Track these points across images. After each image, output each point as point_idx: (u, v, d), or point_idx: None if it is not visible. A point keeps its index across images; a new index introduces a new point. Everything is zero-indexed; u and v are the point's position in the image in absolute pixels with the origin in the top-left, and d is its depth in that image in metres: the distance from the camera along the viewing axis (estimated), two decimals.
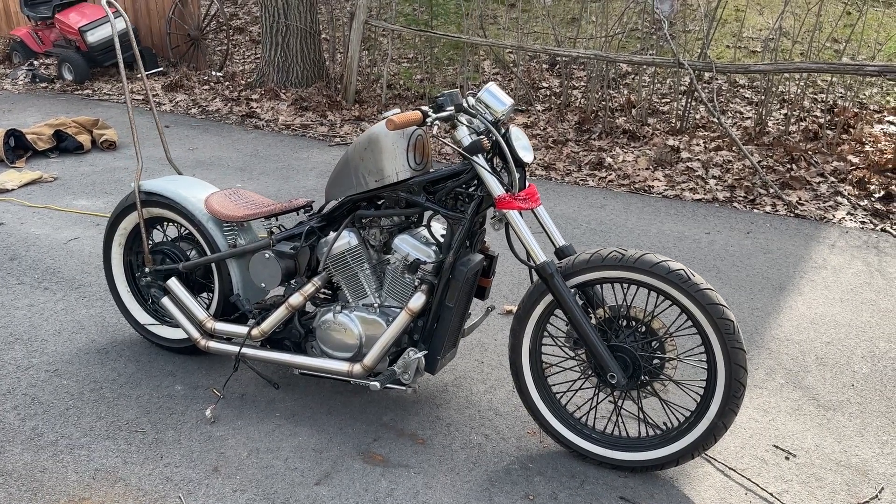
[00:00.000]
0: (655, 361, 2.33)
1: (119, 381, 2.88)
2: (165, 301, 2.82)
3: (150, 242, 2.98)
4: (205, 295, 3.02)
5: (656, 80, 7.13)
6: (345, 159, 2.51)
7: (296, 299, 2.61)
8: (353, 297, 2.60)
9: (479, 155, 2.30)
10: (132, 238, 3.03)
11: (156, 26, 8.89)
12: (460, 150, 2.31)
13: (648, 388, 2.36)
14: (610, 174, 5.48)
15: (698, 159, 5.62)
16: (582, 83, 7.41)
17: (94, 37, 8.01)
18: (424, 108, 2.25)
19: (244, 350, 2.70)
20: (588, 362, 2.39)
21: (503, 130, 2.37)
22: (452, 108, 2.28)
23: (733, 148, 5.70)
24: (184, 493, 2.31)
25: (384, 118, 2.21)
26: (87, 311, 3.41)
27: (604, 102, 6.64)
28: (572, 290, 2.32)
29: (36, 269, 3.81)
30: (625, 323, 2.36)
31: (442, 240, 2.47)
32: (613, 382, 2.27)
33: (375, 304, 2.56)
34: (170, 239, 3.02)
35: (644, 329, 2.34)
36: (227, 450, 2.51)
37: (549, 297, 2.37)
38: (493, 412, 2.72)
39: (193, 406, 2.74)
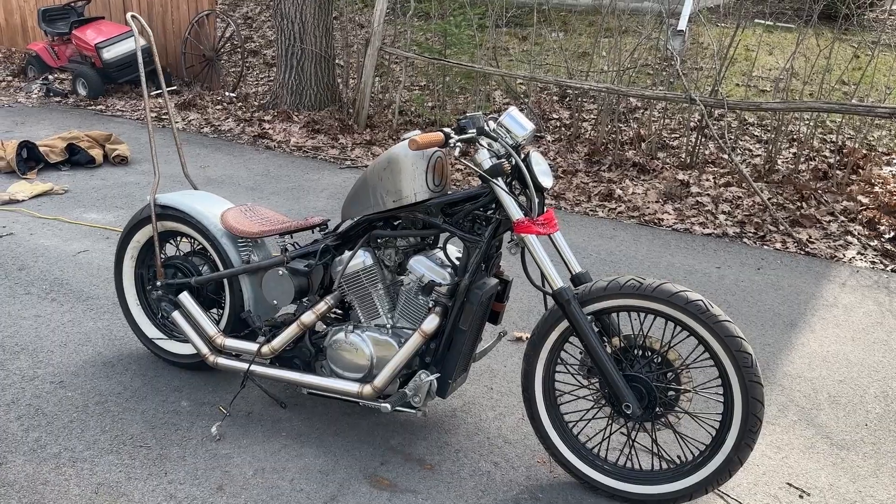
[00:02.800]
0: (671, 393, 2.30)
1: (125, 395, 2.85)
2: (176, 315, 2.80)
3: (163, 256, 2.97)
4: (214, 311, 3.00)
5: (666, 116, 7.17)
6: (363, 178, 2.50)
7: (308, 317, 2.59)
8: (365, 318, 2.58)
9: (499, 178, 2.30)
10: (145, 251, 3.02)
11: (171, 45, 8.98)
12: (481, 171, 2.30)
13: (663, 419, 2.32)
14: (619, 206, 5.48)
15: (708, 194, 5.62)
16: (592, 116, 7.45)
17: (109, 53, 8.08)
18: (447, 129, 2.25)
19: (253, 367, 2.67)
20: (602, 391, 2.36)
21: (523, 155, 2.36)
22: (474, 130, 2.28)
23: (743, 184, 5.71)
24: None
25: (406, 138, 2.21)
26: (94, 323, 3.38)
27: (614, 135, 6.67)
28: (588, 318, 2.30)
29: (44, 280, 3.80)
30: (640, 353, 2.34)
31: (457, 262, 2.46)
32: (629, 412, 2.24)
33: (388, 325, 2.54)
34: (182, 253, 3.00)
35: (660, 360, 2.32)
36: (233, 468, 2.47)
37: (564, 324, 2.35)
38: (502, 440, 2.68)
39: (199, 422, 2.71)
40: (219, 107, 7.84)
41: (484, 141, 2.34)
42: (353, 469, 2.49)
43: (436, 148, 2.31)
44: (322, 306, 2.59)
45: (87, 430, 2.63)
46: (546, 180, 2.37)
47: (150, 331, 3.05)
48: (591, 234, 4.93)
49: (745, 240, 4.92)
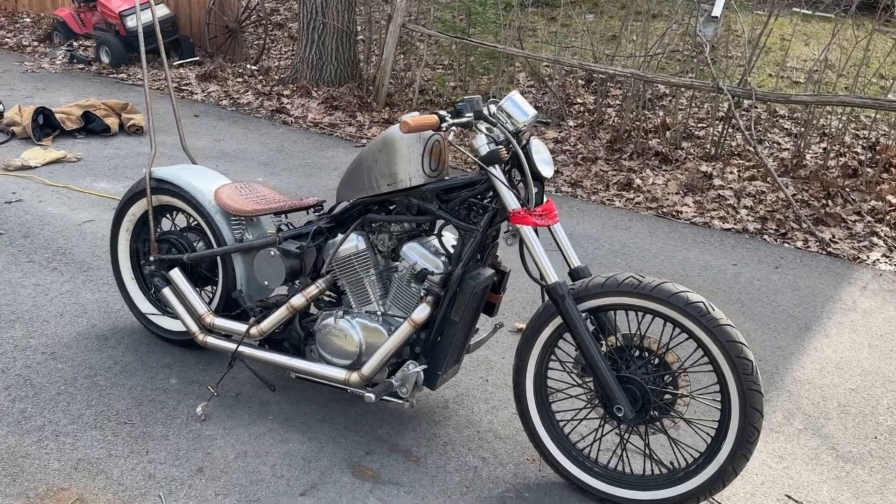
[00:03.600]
0: (667, 397, 2.20)
1: (114, 370, 2.81)
2: (167, 291, 2.75)
3: (159, 230, 2.92)
4: (209, 288, 2.95)
5: (693, 104, 6.98)
6: (358, 160, 2.42)
7: (297, 300, 2.52)
8: (356, 303, 2.51)
9: (496, 166, 2.20)
10: (140, 224, 2.97)
11: (196, 16, 8.93)
12: (476, 159, 2.21)
13: (657, 424, 2.23)
14: (638, 196, 5.34)
15: (731, 187, 5.46)
16: (617, 102, 7.28)
17: (133, 22, 8.06)
18: (442, 112, 2.15)
19: (241, 349, 2.62)
20: (595, 391, 2.27)
21: (524, 142, 2.26)
22: (471, 114, 2.18)
23: (768, 179, 5.53)
24: (164, 493, 2.23)
25: (401, 121, 2.13)
26: (92, 294, 3.36)
27: (638, 122, 6.50)
28: (583, 315, 2.21)
29: (47, 249, 3.78)
30: (637, 353, 2.24)
31: (452, 251, 2.37)
32: (620, 416, 2.15)
33: (378, 312, 2.46)
34: (178, 228, 2.95)
35: (657, 361, 2.22)
36: (215, 450, 2.43)
37: (558, 320, 2.25)
38: (492, 434, 2.61)
39: (186, 401, 2.67)
40: (239, 79, 7.79)
41: (482, 126, 2.24)
42: (337, 457, 2.43)
43: (431, 131, 2.22)
44: (313, 290, 2.52)
45: (74, 404, 2.60)
46: (546, 170, 2.27)
47: (144, 305, 3.02)
48: (606, 224, 4.81)
49: (765, 237, 4.77)
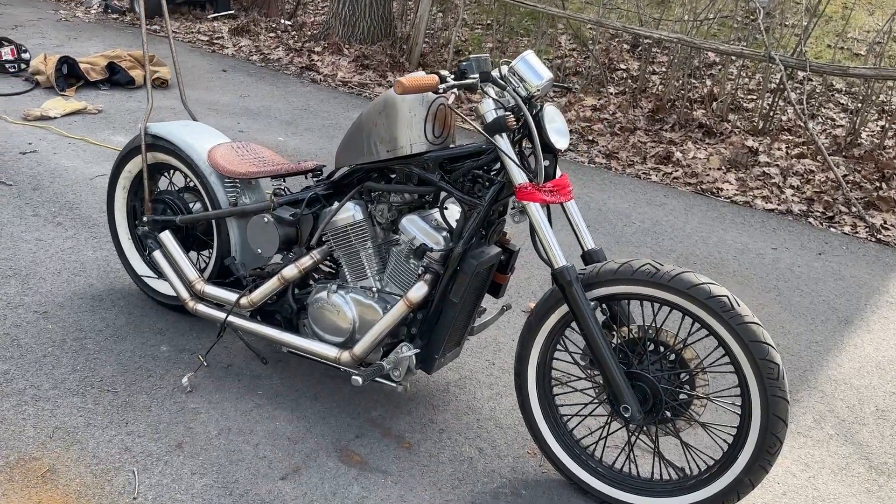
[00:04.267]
0: (681, 397, 2.00)
1: (105, 333, 2.71)
2: (157, 255, 2.62)
3: (156, 189, 2.78)
4: (206, 252, 2.81)
5: (744, 74, 6.59)
6: (358, 123, 2.23)
7: (290, 272, 2.36)
8: (351, 277, 2.34)
9: (503, 135, 1.99)
10: (137, 182, 2.83)
11: None
12: (477, 128, 1.99)
13: (669, 425, 2.03)
14: (676, 170, 5.05)
15: (777, 165, 5.13)
16: (662, 69, 6.92)
17: None
18: (444, 72, 1.94)
19: (231, 319, 2.48)
20: (602, 387, 2.07)
21: (536, 108, 2.04)
22: (477, 76, 1.97)
23: (818, 157, 5.18)
24: (138, 468, 2.11)
25: (395, 81, 1.92)
26: (93, 252, 3.25)
27: (683, 91, 6.16)
28: (593, 304, 2.00)
29: (55, 203, 3.69)
30: (651, 347, 2.04)
31: (456, 226, 2.18)
32: (627, 416, 1.96)
33: (374, 288, 2.29)
34: (176, 188, 2.81)
35: (673, 357, 2.01)
36: (197, 425, 2.30)
37: (565, 307, 2.05)
38: (493, 423, 2.44)
39: (174, 370, 2.54)
40: (272, 34, 7.60)
41: (491, 89, 2.02)
42: (325, 439, 2.29)
43: (435, 94, 2.02)
44: (306, 261, 2.36)
45: (58, 368, 2.50)
46: (560, 141, 2.05)
47: (140, 267, 2.89)
48: (639, 199, 4.55)
49: (810, 219, 4.46)
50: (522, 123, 2.03)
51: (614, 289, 1.99)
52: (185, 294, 2.58)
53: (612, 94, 6.42)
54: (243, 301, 2.45)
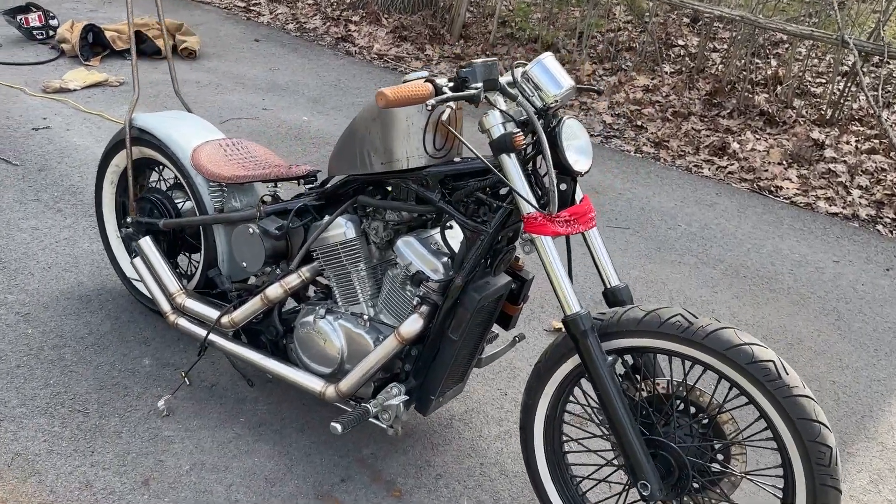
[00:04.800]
0: (714, 468, 1.69)
1: (86, 342, 2.51)
2: (137, 262, 2.39)
3: (146, 186, 2.55)
4: (197, 257, 2.58)
5: (813, 55, 6.04)
6: (351, 128, 1.93)
7: (274, 291, 2.10)
8: (342, 300, 2.07)
9: (511, 154, 1.67)
10: (126, 177, 2.60)
11: None
12: (474, 151, 1.68)
13: (696, 500, 1.72)
14: (732, 164, 4.62)
15: (844, 161, 4.65)
16: (724, 46, 6.40)
17: None
18: (440, 80, 1.62)
19: (213, 338, 2.24)
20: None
21: (553, 122, 1.71)
22: (479, 85, 1.64)
23: (891, 154, 4.68)
24: None
25: (378, 92, 1.61)
26: (88, 245, 3.05)
27: (745, 73, 5.66)
28: (611, 358, 1.69)
29: (58, 186, 3.50)
30: (681, 406, 1.72)
31: (458, 251, 1.88)
32: (646, 494, 1.65)
33: (366, 316, 2.02)
34: (165, 187, 2.57)
35: (706, 421, 1.70)
36: (169, 457, 2.08)
37: (577, 357, 1.75)
38: (498, 469, 2.16)
39: (154, 389, 2.33)
40: (310, 1, 7.30)
41: (499, 99, 1.71)
42: (306, 482, 2.05)
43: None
44: (293, 279, 2.10)
45: (31, 381, 2.31)
46: (580, 161, 1.72)
47: (129, 269, 2.68)
48: (688, 197, 4.16)
49: (878, 227, 4.01)
50: (534, 140, 1.71)
51: (637, 341, 1.68)
52: (165, 306, 2.35)
53: (667, 73, 5.96)
54: (224, 320, 2.21)
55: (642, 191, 4.15)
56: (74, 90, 4.65)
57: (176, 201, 2.48)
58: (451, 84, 1.63)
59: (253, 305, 2.15)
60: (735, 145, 4.82)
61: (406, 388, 1.93)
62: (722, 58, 6.15)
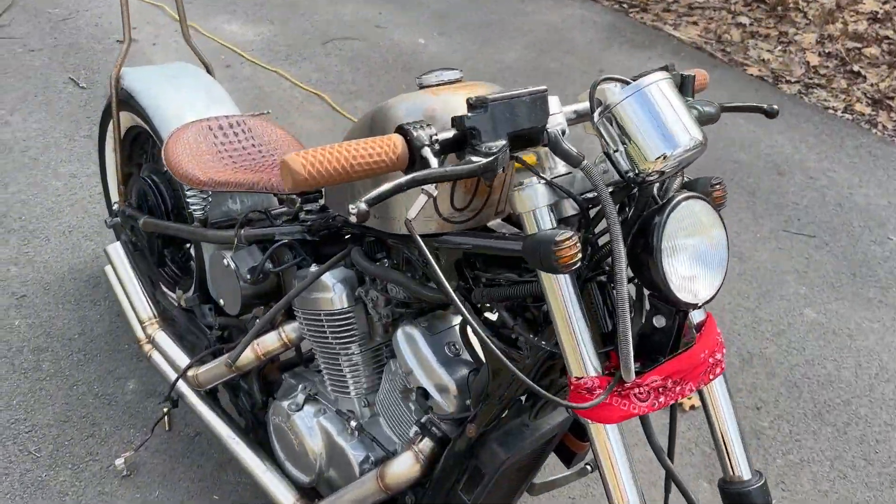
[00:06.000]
0: None
1: (72, 346, 2.06)
2: (108, 271, 1.86)
3: (147, 164, 2.00)
4: None
5: None
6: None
7: (245, 357, 1.49)
8: (330, 385, 1.42)
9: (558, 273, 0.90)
10: (130, 144, 2.05)
11: None
12: (452, 300, 0.94)
13: None
14: None
15: None
16: None
17: None
18: (422, 131, 0.83)
19: (183, 390, 1.68)
20: None
21: (654, 202, 0.91)
22: (502, 144, 0.85)
23: None
24: None
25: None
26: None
27: None
28: None
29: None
30: None
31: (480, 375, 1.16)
32: None
33: (354, 423, 1.36)
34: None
35: None
36: None
37: None
38: None
39: (124, 431, 1.85)
40: None
41: (549, 159, 0.92)
42: None
43: None
44: (271, 342, 1.48)
45: None
46: (696, 282, 0.91)
47: None
48: None
49: None
50: (599, 242, 0.92)
51: None
52: (139, 333, 1.81)
53: None
54: (191, 373, 1.63)
55: (844, 175, 3.07)
56: None
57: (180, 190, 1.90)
58: (445, 139, 0.85)
59: (217, 369, 1.55)
60: None
61: None
62: None
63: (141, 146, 2.03)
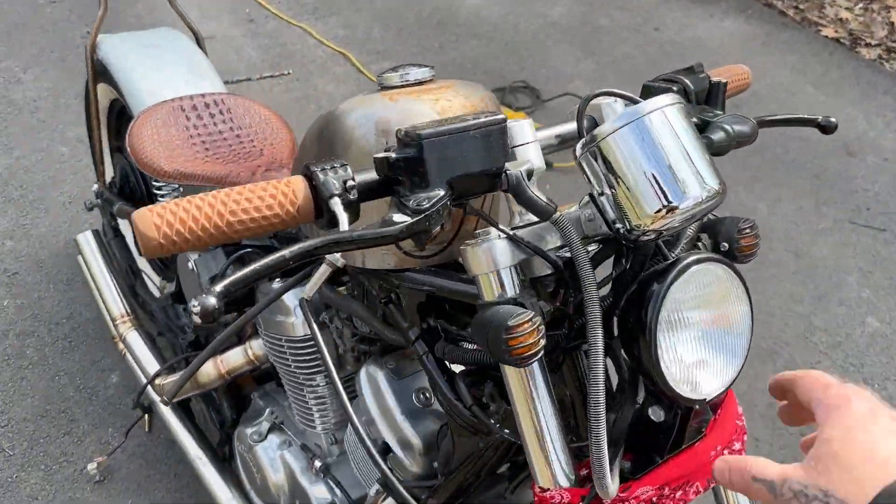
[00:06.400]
0: None
1: (58, 332, 1.95)
2: (80, 261, 1.71)
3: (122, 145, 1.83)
4: None
5: None
6: (301, 150, 1.01)
7: (206, 375, 1.33)
8: (297, 413, 1.26)
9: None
10: (117, 117, 1.89)
11: None
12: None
13: None
14: None
15: None
16: None
17: None
18: (335, 176, 0.62)
19: (154, 397, 1.54)
20: None
21: (653, 268, 0.68)
22: (438, 196, 0.62)
23: None
24: None
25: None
26: None
27: None
28: None
29: None
30: None
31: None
32: None
33: (318, 464, 1.20)
34: None
35: None
36: None
37: None
38: None
39: (102, 430, 1.74)
40: None
41: (520, 214, 0.70)
42: None
43: None
44: (236, 358, 1.32)
45: None
46: (700, 375, 0.69)
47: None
48: None
49: None
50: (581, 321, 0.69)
51: None
52: (112, 330, 1.67)
53: None
54: (158, 382, 1.49)
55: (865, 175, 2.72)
56: None
57: None
58: (365, 184, 0.64)
59: (183, 386, 1.40)
60: None
61: None
62: None
63: (127, 120, 1.87)
